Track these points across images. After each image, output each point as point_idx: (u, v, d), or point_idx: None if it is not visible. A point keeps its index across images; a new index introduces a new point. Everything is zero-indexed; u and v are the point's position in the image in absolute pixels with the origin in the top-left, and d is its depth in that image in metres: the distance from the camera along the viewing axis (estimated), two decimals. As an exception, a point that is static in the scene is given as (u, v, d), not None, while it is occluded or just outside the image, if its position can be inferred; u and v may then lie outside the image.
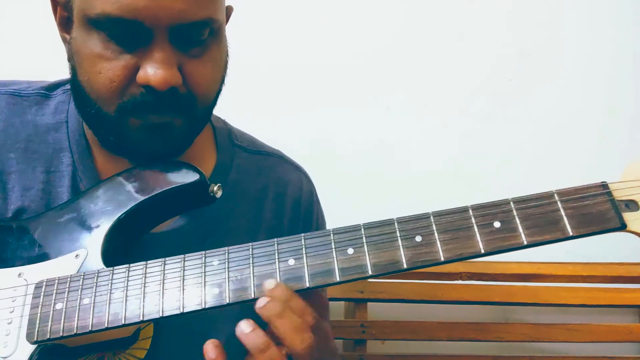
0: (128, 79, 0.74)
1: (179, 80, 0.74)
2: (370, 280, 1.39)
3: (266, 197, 0.97)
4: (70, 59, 0.80)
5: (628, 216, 0.63)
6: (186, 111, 0.78)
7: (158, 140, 0.79)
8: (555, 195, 0.66)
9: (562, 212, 0.65)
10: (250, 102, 1.48)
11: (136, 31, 0.72)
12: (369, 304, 1.42)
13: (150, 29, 0.72)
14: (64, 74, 0.86)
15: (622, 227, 0.63)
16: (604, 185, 0.65)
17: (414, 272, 1.39)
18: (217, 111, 0.99)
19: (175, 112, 0.77)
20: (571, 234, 0.64)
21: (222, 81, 0.84)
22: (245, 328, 0.68)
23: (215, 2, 0.77)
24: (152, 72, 0.72)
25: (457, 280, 1.42)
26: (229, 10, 0.88)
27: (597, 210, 0.64)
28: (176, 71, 0.74)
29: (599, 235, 0.65)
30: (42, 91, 0.92)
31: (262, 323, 0.69)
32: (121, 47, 0.74)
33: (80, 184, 0.87)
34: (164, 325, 0.78)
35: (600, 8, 1.60)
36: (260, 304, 0.68)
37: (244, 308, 0.73)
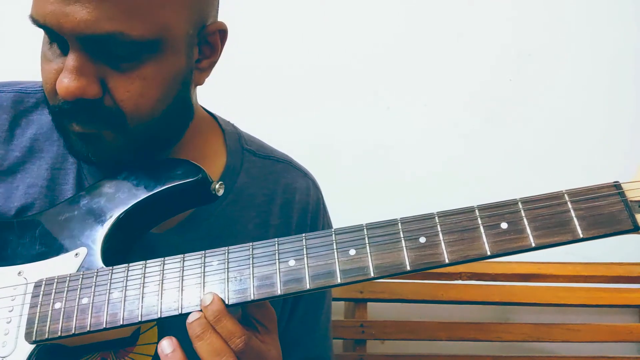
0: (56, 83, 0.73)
1: (88, 92, 0.71)
2: (370, 279, 1.39)
3: (274, 203, 0.97)
4: None
5: (642, 218, 0.61)
6: (114, 125, 0.75)
7: (90, 149, 0.78)
8: (566, 195, 0.64)
9: (573, 213, 0.63)
10: (249, 102, 1.47)
11: (55, 37, 0.71)
12: (368, 303, 1.42)
13: (62, 36, 0.70)
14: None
15: (636, 228, 0.61)
16: (617, 185, 0.63)
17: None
18: (216, 111, 0.99)
19: (100, 124, 0.75)
20: (582, 235, 0.62)
21: (166, 100, 0.78)
22: (165, 348, 0.68)
23: (133, 17, 0.70)
24: (60, 79, 0.71)
25: (457, 280, 1.42)
26: (215, 27, 0.83)
27: (609, 212, 0.62)
28: (87, 82, 0.71)
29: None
30: None
31: None
32: (60, 50, 0.73)
33: (85, 181, 0.87)
34: (168, 331, 0.78)
35: (600, 8, 1.60)
36: (188, 319, 0.68)
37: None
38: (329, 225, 1.06)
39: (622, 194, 0.63)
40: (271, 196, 0.97)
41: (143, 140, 0.79)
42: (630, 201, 0.62)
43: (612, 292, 1.47)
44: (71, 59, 0.71)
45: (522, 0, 1.59)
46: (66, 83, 0.70)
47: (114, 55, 0.72)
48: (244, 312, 0.74)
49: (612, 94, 1.60)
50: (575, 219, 0.63)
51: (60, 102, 0.74)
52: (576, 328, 1.43)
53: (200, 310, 0.68)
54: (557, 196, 0.64)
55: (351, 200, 1.46)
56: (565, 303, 1.44)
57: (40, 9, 0.69)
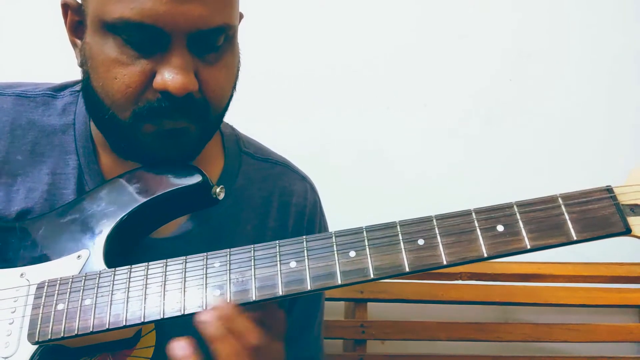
0: (144, 84, 0.74)
1: (195, 86, 0.74)
2: (370, 280, 1.40)
3: (271, 205, 0.98)
4: (83, 64, 0.79)
5: (633, 220, 0.63)
6: (200, 117, 0.78)
7: (171, 145, 0.79)
8: (560, 199, 0.66)
9: (566, 216, 0.64)
10: (248, 104, 1.47)
11: (154, 37, 0.72)
12: (369, 304, 1.42)
13: (169, 35, 0.72)
14: (71, 76, 0.85)
15: (627, 231, 0.63)
16: (609, 190, 0.65)
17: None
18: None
19: (190, 118, 0.77)
20: (575, 238, 0.64)
21: (234, 87, 0.84)
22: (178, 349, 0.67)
23: (232, 8, 0.77)
24: (170, 77, 0.72)
25: (457, 280, 1.42)
26: (240, 16, 0.87)
27: (601, 215, 0.64)
28: (193, 77, 0.74)
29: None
30: (49, 92, 0.92)
31: None
32: (137, 52, 0.73)
33: (86, 186, 0.87)
34: (167, 334, 0.78)
35: (600, 8, 1.60)
36: (199, 318, 0.67)
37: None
38: (326, 229, 1.07)
39: (614, 197, 0.64)
40: (268, 198, 0.98)
41: (212, 131, 0.85)
42: (622, 205, 0.64)
43: (612, 292, 1.47)
44: (177, 56, 0.73)
45: (522, 1, 1.59)
46: (180, 79, 0.72)
47: (208, 47, 0.76)
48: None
49: (613, 95, 1.60)
50: (569, 222, 0.64)
51: (151, 102, 0.75)
52: (576, 328, 1.43)
53: (239, 305, 0.68)
54: (551, 200, 0.66)
55: (350, 202, 1.47)
56: (565, 303, 1.44)
57: (148, 10, 0.70)
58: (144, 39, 0.72)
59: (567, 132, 1.58)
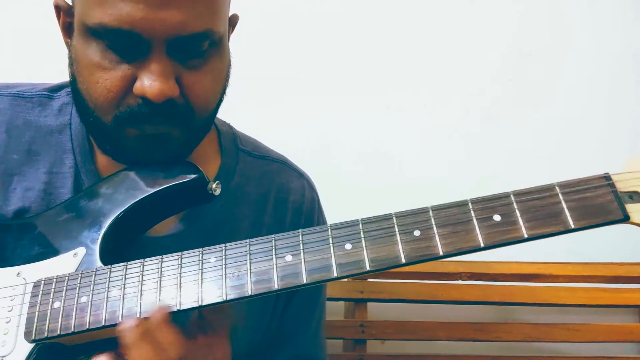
0: (125, 89, 0.74)
1: (175, 92, 0.74)
2: (370, 280, 1.40)
3: (268, 202, 0.97)
4: (71, 65, 0.79)
5: (631, 207, 0.62)
6: (184, 122, 0.78)
7: (155, 150, 0.79)
8: (557, 187, 0.65)
9: (564, 204, 0.63)
10: (247, 103, 1.47)
11: (134, 42, 0.71)
12: (368, 304, 1.42)
13: (148, 41, 0.71)
14: (67, 76, 0.86)
15: (625, 218, 0.62)
16: (607, 177, 0.64)
17: (414, 272, 1.39)
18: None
19: (172, 123, 0.77)
20: (573, 226, 0.63)
21: (223, 92, 0.83)
22: None
23: (215, 14, 0.76)
24: (148, 84, 0.72)
25: (457, 280, 1.42)
26: (234, 19, 0.87)
27: (599, 202, 0.63)
28: (173, 83, 0.73)
29: (600, 234, 0.64)
30: (45, 92, 0.92)
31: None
32: (119, 57, 0.73)
33: (82, 185, 0.87)
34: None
35: (601, 7, 1.60)
36: (120, 326, 0.69)
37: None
38: None
39: (611, 185, 0.63)
40: (265, 195, 0.97)
41: (200, 136, 0.84)
42: (620, 192, 0.63)
43: (612, 292, 1.47)
44: (156, 62, 0.72)
45: (522, 1, 1.60)
46: (158, 86, 0.72)
47: (192, 52, 0.75)
48: (200, 313, 0.75)
49: (613, 94, 1.60)
50: (566, 210, 0.63)
51: (132, 106, 0.74)
52: (576, 328, 1.43)
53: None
54: (548, 188, 0.65)
55: (350, 202, 1.46)
56: (565, 303, 1.44)
57: (125, 16, 0.70)
58: (125, 44, 0.72)
59: (567, 131, 1.58)
